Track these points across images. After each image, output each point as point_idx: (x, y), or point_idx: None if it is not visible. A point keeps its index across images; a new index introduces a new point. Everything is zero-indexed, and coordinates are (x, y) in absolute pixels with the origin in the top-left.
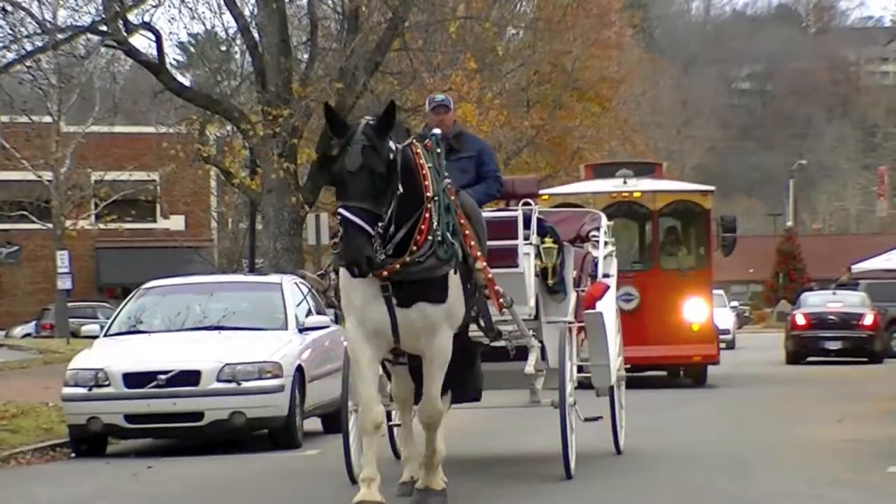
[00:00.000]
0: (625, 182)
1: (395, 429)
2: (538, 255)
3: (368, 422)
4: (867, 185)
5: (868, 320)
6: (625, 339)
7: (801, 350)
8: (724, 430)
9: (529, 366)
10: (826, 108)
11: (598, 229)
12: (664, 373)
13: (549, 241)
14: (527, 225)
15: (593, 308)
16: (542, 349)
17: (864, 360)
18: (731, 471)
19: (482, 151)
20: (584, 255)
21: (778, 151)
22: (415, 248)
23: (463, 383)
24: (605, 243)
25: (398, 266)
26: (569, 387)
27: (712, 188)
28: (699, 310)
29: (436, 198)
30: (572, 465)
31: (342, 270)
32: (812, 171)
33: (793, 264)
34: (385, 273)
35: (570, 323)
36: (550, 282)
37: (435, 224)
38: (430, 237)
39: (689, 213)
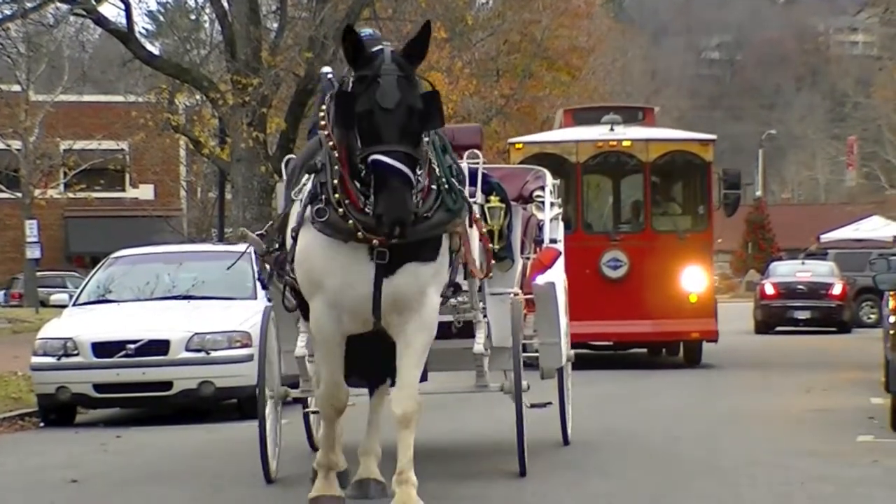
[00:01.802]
0: (611, 129)
1: (313, 416)
2: (483, 216)
3: (330, 406)
4: (836, 154)
5: (837, 290)
6: (611, 311)
7: (770, 320)
8: (691, 401)
9: (479, 344)
10: (795, 78)
11: (542, 188)
12: (643, 350)
13: (495, 200)
14: (472, 181)
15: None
16: (487, 325)
17: (833, 329)
18: (699, 441)
19: None
20: (527, 218)
21: (747, 121)
22: (420, 201)
23: None
24: (552, 205)
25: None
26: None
27: (713, 137)
28: (698, 279)
29: (431, 138)
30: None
31: (310, 234)
32: (781, 141)
33: (762, 234)
34: (382, 240)
35: (516, 295)
36: (496, 246)
37: (437, 169)
38: (434, 186)
39: (686, 165)
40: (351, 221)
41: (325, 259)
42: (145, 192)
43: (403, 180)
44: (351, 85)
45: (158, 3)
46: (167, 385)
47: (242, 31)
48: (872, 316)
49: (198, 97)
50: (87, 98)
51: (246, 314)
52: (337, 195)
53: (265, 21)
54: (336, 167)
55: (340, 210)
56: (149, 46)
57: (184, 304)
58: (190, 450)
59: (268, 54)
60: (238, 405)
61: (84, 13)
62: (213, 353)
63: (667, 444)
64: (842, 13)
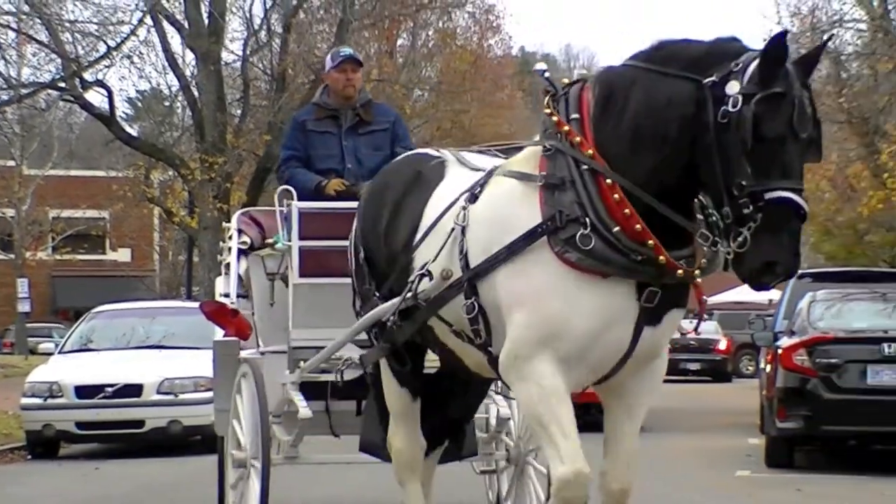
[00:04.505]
0: None
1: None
2: None
3: (575, 495)
4: None
5: (722, 345)
6: None
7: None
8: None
9: (504, 408)
10: None
11: None
12: None
13: None
14: None
15: None
16: None
17: (715, 379)
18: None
19: (396, 122)
20: None
21: None
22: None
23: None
24: None
25: (704, 261)
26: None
27: None
28: None
29: None
30: None
31: (550, 267)
32: None
33: None
34: (692, 272)
35: None
36: None
37: None
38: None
39: None
40: (635, 253)
41: (576, 298)
42: (123, 255)
43: (801, 224)
44: (741, 100)
45: (137, 91)
46: (140, 423)
47: (210, 116)
48: (750, 368)
49: (170, 173)
50: (73, 172)
51: (209, 361)
52: (607, 217)
53: (230, 108)
54: (609, 181)
55: (614, 230)
56: (128, 129)
57: (156, 353)
58: (161, 480)
59: (232, 136)
60: (203, 441)
61: (72, 99)
62: (181, 396)
63: None
64: None
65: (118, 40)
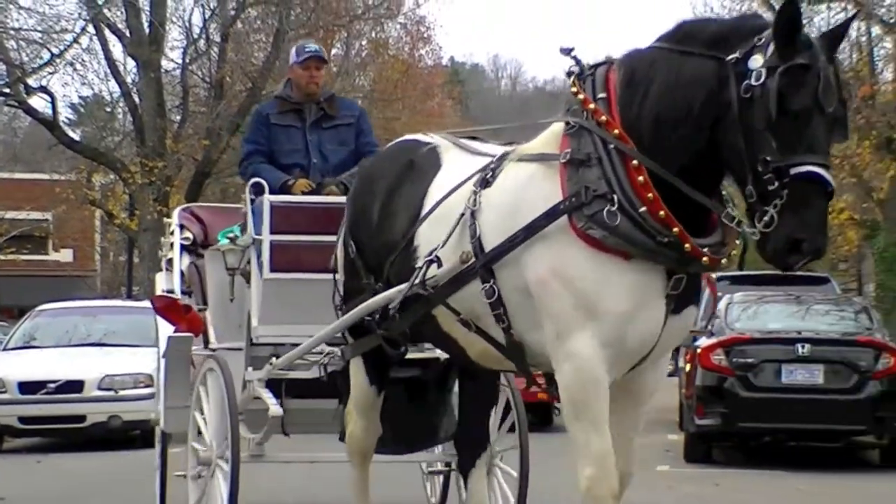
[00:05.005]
0: None
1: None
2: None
3: (608, 490)
4: None
5: None
6: None
7: None
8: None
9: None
10: None
11: None
12: None
13: None
14: None
15: None
16: None
17: None
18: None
19: (361, 118)
20: None
21: None
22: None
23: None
24: None
25: (734, 252)
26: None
27: None
28: None
29: None
30: None
31: (573, 246)
32: None
33: None
34: (715, 260)
35: None
36: None
37: None
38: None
39: None
40: (661, 235)
41: (605, 278)
42: (66, 255)
43: (828, 201)
44: (764, 73)
45: (80, 97)
46: (81, 418)
47: (150, 121)
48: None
49: (112, 176)
50: (17, 175)
51: (149, 359)
52: (634, 196)
53: (170, 114)
54: (635, 162)
55: (641, 210)
56: (71, 133)
57: (96, 350)
58: (100, 472)
59: (171, 142)
60: (142, 436)
61: (16, 104)
62: (121, 392)
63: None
64: None
65: (61, 48)
